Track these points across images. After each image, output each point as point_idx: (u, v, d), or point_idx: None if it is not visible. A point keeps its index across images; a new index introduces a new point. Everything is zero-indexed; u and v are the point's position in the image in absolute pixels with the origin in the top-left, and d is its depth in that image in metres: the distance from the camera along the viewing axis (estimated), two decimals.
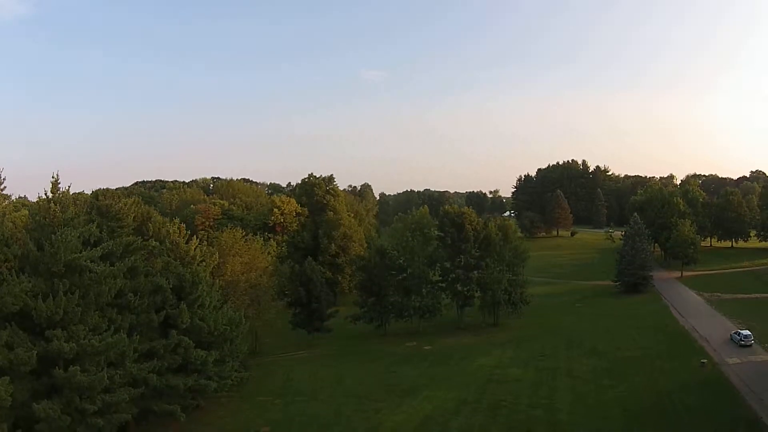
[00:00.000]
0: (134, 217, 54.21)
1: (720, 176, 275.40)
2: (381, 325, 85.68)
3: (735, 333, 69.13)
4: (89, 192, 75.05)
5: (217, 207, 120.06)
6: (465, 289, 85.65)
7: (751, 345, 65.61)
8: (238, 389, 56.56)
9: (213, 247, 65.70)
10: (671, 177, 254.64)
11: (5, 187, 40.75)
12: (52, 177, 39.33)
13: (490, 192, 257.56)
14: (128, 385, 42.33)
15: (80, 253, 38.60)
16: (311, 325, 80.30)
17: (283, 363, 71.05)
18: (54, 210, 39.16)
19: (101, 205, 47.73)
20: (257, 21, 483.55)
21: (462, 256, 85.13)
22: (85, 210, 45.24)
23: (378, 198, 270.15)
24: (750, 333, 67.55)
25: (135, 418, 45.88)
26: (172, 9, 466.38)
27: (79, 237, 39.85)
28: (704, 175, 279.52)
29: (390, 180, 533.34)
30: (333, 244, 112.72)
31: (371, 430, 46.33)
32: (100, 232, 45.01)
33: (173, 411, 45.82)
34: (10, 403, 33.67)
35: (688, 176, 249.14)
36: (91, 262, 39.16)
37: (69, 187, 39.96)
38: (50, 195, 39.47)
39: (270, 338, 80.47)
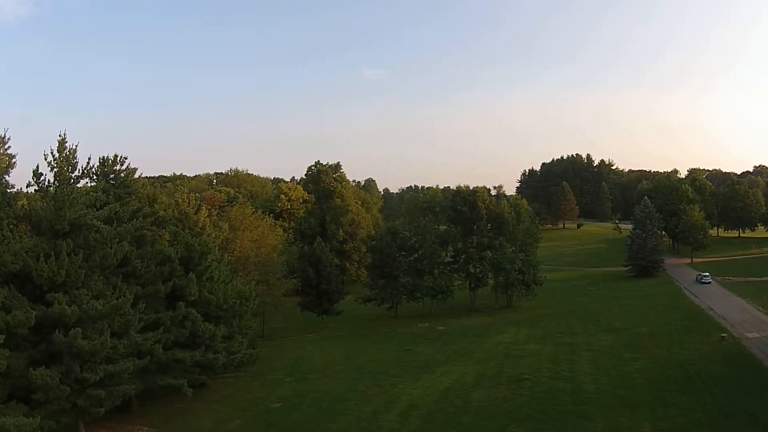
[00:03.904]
0: (142, 188, 52.82)
1: (723, 171, 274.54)
2: (392, 307, 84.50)
3: (698, 275, 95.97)
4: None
5: (222, 194, 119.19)
6: (477, 270, 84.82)
7: (710, 282, 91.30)
8: (246, 368, 54.85)
9: (222, 221, 64.43)
10: (675, 171, 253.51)
11: (10, 146, 39.24)
12: (59, 135, 37.78)
13: (494, 188, 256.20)
14: (133, 356, 40.52)
15: (85, 210, 36.90)
16: (320, 307, 78.82)
17: (293, 344, 69.60)
18: (61, 167, 37.55)
19: (108, 171, 46.25)
20: (256, 21, 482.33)
21: (474, 237, 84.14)
22: (91, 171, 43.74)
23: (382, 193, 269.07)
24: (709, 274, 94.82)
25: (138, 396, 44.22)
26: (173, 10, 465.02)
27: (85, 196, 38.30)
28: (708, 170, 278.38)
29: (393, 177, 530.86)
30: (341, 230, 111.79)
31: (388, 403, 44.48)
32: (107, 197, 43.49)
33: (180, 386, 43.95)
34: (5, 368, 31.76)
35: (692, 169, 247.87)
36: (96, 221, 37.44)
37: (76, 145, 38.34)
38: (56, 154, 37.85)
39: (278, 322, 79.11)
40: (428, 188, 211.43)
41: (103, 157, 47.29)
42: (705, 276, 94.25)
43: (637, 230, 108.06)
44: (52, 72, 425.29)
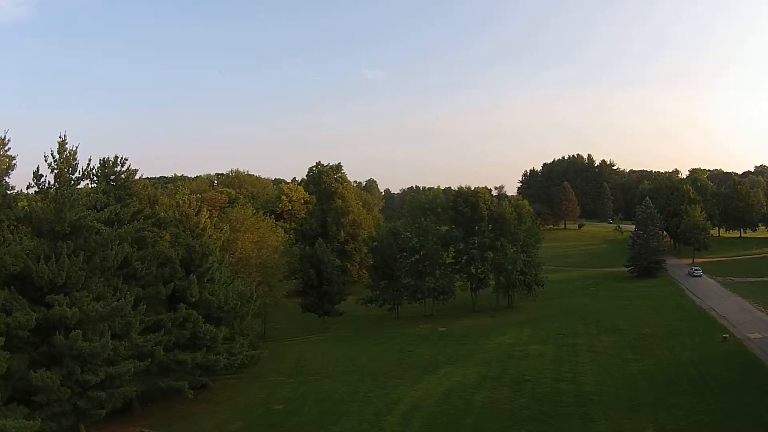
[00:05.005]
0: (143, 190, 52.86)
1: (725, 171, 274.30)
2: (393, 308, 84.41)
3: (690, 268, 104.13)
4: None
5: (224, 195, 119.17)
6: (479, 271, 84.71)
7: (700, 276, 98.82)
8: (247, 370, 54.73)
9: (223, 222, 64.38)
10: (676, 171, 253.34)
11: (10, 148, 39.17)
12: (59, 137, 37.68)
13: (496, 188, 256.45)
14: (134, 358, 40.34)
15: (86, 212, 36.84)
16: (322, 308, 78.66)
17: (294, 345, 69.53)
18: (61, 168, 37.48)
19: (109, 172, 46.15)
20: (257, 22, 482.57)
21: (476, 237, 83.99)
22: (91, 172, 43.73)
23: (383, 194, 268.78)
24: (699, 268, 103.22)
25: (139, 398, 44.04)
26: (174, 10, 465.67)
27: (86, 197, 38.23)
28: (709, 170, 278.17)
29: (395, 178, 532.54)
30: (342, 231, 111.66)
31: (391, 405, 44.32)
32: (107, 199, 43.39)
33: (181, 387, 43.84)
34: (6, 370, 31.60)
35: (693, 169, 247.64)
36: (97, 223, 37.38)
37: (77, 147, 38.27)
38: (56, 155, 37.78)
39: (279, 323, 79.11)
40: (429, 189, 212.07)
41: (104, 158, 47.32)
42: (696, 270, 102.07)
43: (639, 231, 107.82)
44: (52, 73, 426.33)
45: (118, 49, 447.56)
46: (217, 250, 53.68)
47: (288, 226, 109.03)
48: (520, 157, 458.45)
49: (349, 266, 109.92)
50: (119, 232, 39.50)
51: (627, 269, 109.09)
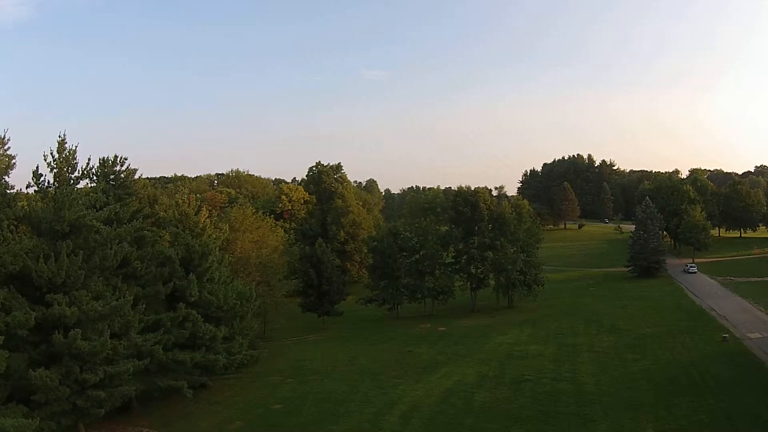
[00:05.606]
0: (142, 189, 52.84)
1: (725, 171, 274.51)
2: (393, 308, 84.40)
3: (685, 265, 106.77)
4: None
5: (224, 195, 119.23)
6: (479, 270, 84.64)
7: (696, 272, 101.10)
8: (246, 370, 54.68)
9: (223, 222, 64.37)
10: (676, 171, 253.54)
11: (9, 147, 39.12)
12: (59, 136, 37.68)
13: (496, 188, 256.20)
14: (133, 357, 40.29)
15: (85, 211, 36.83)
16: (322, 308, 78.66)
17: (294, 345, 69.53)
18: (61, 168, 37.47)
19: (108, 172, 46.18)
20: (257, 23, 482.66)
21: (475, 237, 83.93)
22: (91, 172, 43.74)
23: (383, 194, 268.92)
24: (695, 265, 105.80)
25: (138, 398, 44.01)
26: (173, 12, 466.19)
27: (85, 197, 38.24)
28: (709, 170, 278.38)
29: (395, 178, 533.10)
30: (342, 231, 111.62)
31: (390, 404, 44.31)
32: (107, 198, 43.40)
33: (180, 387, 43.85)
34: (5, 369, 31.53)
35: (694, 169, 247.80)
36: (96, 222, 37.37)
37: (76, 146, 38.26)
38: (56, 155, 37.78)
39: (279, 323, 78.97)
40: (429, 189, 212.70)
41: (103, 157, 47.32)
42: (692, 266, 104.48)
43: (639, 231, 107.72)
44: (52, 73, 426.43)
45: (119, 50, 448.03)
46: (217, 249, 53.57)
47: (288, 226, 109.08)
48: (520, 157, 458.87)
49: (349, 266, 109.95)
50: (118, 231, 39.50)
51: (627, 269, 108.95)
